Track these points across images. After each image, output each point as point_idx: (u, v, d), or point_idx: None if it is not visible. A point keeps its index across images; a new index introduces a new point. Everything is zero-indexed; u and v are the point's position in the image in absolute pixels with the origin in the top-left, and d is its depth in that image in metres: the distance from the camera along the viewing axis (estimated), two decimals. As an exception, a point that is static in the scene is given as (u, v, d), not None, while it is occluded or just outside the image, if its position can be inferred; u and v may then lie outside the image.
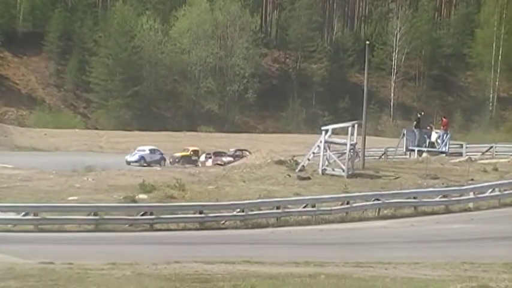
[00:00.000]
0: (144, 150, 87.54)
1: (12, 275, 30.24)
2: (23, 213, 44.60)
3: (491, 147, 75.20)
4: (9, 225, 43.46)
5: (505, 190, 57.26)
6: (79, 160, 71.00)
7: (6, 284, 28.79)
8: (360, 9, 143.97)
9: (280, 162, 61.76)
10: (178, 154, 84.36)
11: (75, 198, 50.36)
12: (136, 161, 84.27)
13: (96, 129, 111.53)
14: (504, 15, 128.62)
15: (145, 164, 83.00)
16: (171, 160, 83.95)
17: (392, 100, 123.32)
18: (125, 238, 42.16)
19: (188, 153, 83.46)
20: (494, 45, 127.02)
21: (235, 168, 62.40)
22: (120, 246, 38.84)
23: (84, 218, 45.35)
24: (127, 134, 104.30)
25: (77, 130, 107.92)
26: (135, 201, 49.54)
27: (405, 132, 75.76)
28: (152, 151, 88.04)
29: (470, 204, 54.96)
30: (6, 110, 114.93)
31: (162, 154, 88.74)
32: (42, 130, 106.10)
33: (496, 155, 72.79)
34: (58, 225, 44.08)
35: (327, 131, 61.23)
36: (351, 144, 60.86)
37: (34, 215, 44.28)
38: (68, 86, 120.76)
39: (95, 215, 45.45)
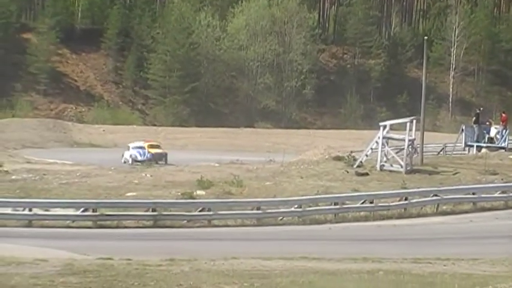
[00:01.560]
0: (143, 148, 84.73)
1: (71, 270, 30.39)
2: (82, 209, 44.79)
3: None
4: (68, 221, 43.62)
5: None
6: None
7: (65, 279, 28.95)
8: (419, 4, 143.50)
9: (338, 158, 61.65)
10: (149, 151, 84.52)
11: (134, 194, 50.52)
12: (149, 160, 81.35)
13: (154, 125, 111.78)
14: None
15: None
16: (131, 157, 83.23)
17: (451, 95, 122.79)
18: (183, 234, 42.24)
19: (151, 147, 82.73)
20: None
21: (293, 165, 62.27)
22: (178, 242, 38.93)
23: (143, 214, 45.48)
24: (184, 131, 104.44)
25: (135, 126, 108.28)
26: (193, 198, 49.60)
27: (464, 127, 75.37)
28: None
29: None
30: (65, 106, 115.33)
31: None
32: (101, 126, 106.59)
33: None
34: (116, 221, 44.23)
35: (385, 126, 61.01)
36: (409, 140, 60.64)
37: (93, 211, 44.47)
38: (126, 82, 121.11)
39: (153, 211, 45.59)
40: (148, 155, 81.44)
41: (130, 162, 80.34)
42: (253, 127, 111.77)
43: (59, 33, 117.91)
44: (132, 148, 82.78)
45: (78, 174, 58.58)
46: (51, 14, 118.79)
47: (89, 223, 43.60)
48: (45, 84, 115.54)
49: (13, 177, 56.56)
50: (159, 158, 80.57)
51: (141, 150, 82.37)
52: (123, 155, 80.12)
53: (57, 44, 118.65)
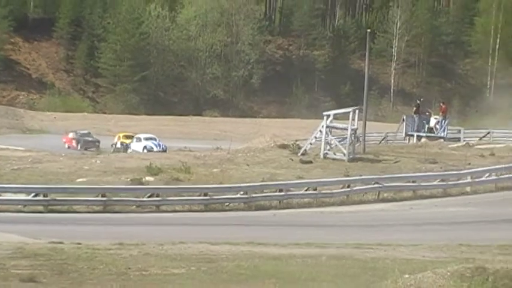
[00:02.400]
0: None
1: (22, 254, 30.38)
2: (33, 194, 44.74)
3: (489, 132, 75.33)
4: (20, 206, 43.59)
5: (501, 174, 57.38)
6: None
7: (16, 262, 28.92)
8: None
9: (283, 146, 61.91)
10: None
11: (84, 180, 50.49)
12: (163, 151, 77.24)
13: (105, 113, 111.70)
14: (502, 5, 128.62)
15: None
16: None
17: (392, 86, 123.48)
18: (132, 219, 42.31)
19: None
20: (492, 33, 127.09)
21: (240, 152, 62.52)
22: (127, 227, 38.99)
23: (93, 199, 45.52)
24: (134, 118, 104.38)
25: (86, 114, 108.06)
26: (142, 184, 49.70)
27: (405, 117, 75.97)
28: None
29: (468, 188, 55.08)
30: (17, 94, 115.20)
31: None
32: (52, 114, 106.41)
33: (493, 140, 72.90)
34: (67, 206, 44.22)
35: (328, 116, 61.32)
36: (352, 129, 60.97)
37: (44, 196, 44.41)
38: (78, 71, 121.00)
39: (102, 196, 45.61)
40: (163, 146, 79.38)
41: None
42: (202, 115, 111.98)
43: (11, 22, 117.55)
44: (145, 139, 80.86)
45: (29, 160, 58.45)
46: (3, 3, 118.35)
47: (40, 208, 43.58)
48: (1, 73, 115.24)
49: (-34, 162, 56.38)
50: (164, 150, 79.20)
51: (156, 142, 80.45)
52: (128, 148, 79.42)
53: (10, 33, 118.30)
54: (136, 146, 78.88)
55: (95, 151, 74.77)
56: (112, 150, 77.94)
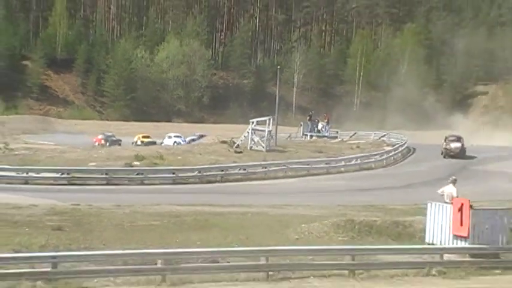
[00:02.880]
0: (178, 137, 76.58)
1: (53, 212, 30.27)
2: (60, 173, 44.45)
3: (355, 133, 75.84)
4: (51, 181, 43.20)
5: (363, 159, 57.77)
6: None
7: (49, 217, 28.80)
8: (274, 44, 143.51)
9: (223, 142, 61.58)
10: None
11: (94, 164, 50.09)
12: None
13: (107, 120, 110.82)
14: (364, 51, 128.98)
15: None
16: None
17: (294, 103, 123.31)
18: (125, 190, 42.03)
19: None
20: (357, 68, 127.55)
21: (195, 146, 62.34)
22: (122, 194, 38.81)
23: (100, 176, 45.14)
24: (127, 124, 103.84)
25: (95, 121, 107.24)
26: (131, 166, 49.32)
27: (302, 123, 76.42)
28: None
29: (342, 168, 55.12)
30: (49, 108, 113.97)
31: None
32: (73, 121, 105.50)
33: (358, 137, 73.41)
34: (82, 181, 43.88)
35: (253, 122, 61.44)
36: (268, 131, 60.99)
37: (67, 174, 44.10)
38: (89, 93, 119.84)
39: (106, 174, 45.34)
40: (185, 141, 74.84)
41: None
42: (171, 122, 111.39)
43: (46, 60, 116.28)
44: (174, 137, 76.33)
45: (58, 151, 57.94)
46: (39, 47, 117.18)
47: (65, 182, 43.17)
48: (37, 94, 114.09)
49: (15, 152, 55.76)
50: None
51: (181, 138, 76.13)
52: (162, 143, 74.37)
53: (44, 67, 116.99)
54: (167, 141, 75.04)
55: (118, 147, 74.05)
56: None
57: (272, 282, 21.39)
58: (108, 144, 73.01)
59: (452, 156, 59.47)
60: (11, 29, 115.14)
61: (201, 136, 75.16)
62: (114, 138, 77.35)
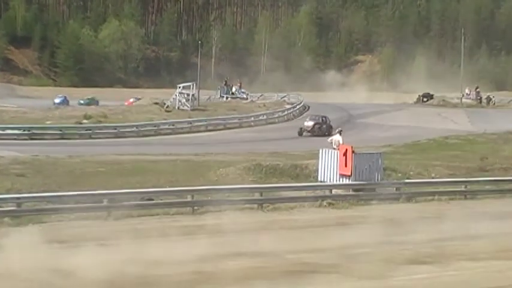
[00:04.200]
0: None
1: (16, 162, 29.69)
2: (22, 130, 43.56)
3: (262, 95, 75.59)
4: (15, 136, 42.27)
5: (268, 116, 57.93)
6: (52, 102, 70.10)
7: (13, 166, 28.24)
8: (196, 23, 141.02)
9: (156, 103, 61.03)
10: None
11: (50, 122, 49.17)
12: None
13: (60, 86, 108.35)
14: (268, 28, 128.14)
15: None
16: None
17: (212, 71, 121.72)
18: (76, 143, 41.37)
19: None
20: (263, 43, 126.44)
21: (133, 107, 61.41)
22: (74, 147, 38.20)
23: (55, 132, 44.40)
24: (77, 89, 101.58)
25: (50, 88, 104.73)
26: (81, 123, 48.51)
27: (219, 87, 76.13)
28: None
29: (252, 123, 55.02)
30: (11, 77, 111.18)
31: None
32: (32, 88, 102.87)
33: (264, 98, 73.26)
34: (41, 136, 43.01)
35: (180, 87, 61.03)
36: (192, 94, 60.61)
37: (28, 131, 43.24)
38: (45, 64, 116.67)
39: (60, 131, 44.60)
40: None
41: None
42: (113, 88, 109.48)
43: (7, 37, 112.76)
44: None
45: (20, 112, 56.50)
46: (3, 27, 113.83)
47: (26, 137, 42.29)
48: (1, 65, 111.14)
49: (-16, 114, 54.30)
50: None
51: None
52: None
53: (7, 44, 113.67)
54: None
55: None
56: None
57: (197, 215, 21.47)
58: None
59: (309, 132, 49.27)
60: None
61: (138, 99, 73.68)
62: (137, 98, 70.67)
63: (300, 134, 47.73)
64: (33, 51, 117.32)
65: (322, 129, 47.36)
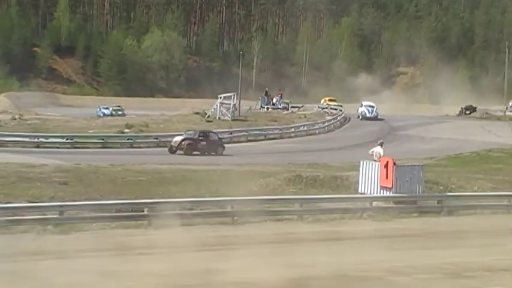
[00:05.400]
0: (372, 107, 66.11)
1: (59, 170, 30.04)
2: (65, 138, 44.14)
3: (303, 105, 75.54)
4: (58, 145, 42.88)
5: (309, 127, 57.90)
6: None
7: (56, 174, 28.58)
8: (237, 34, 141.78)
9: (197, 113, 61.39)
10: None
11: (92, 131, 49.79)
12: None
13: (103, 96, 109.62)
14: (309, 39, 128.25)
15: None
16: None
17: (253, 82, 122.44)
18: (118, 152, 41.81)
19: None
20: (304, 54, 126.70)
21: (174, 117, 61.75)
22: (115, 155, 38.55)
23: (97, 141, 44.93)
24: (119, 99, 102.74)
25: (93, 97, 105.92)
26: (123, 132, 49.05)
27: (260, 97, 76.29)
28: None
29: (292, 134, 55.30)
30: (55, 86, 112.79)
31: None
32: (75, 97, 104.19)
33: (305, 109, 73.25)
34: (83, 145, 43.60)
35: (221, 97, 61.32)
36: (233, 104, 60.86)
37: (71, 139, 43.83)
38: (88, 74, 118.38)
39: (102, 139, 45.09)
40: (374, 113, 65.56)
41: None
42: (154, 97, 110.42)
43: (52, 47, 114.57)
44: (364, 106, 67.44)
45: (63, 121, 57.41)
46: (48, 37, 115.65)
47: (69, 146, 42.90)
48: (45, 74, 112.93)
49: (28, 122, 55.14)
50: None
51: (370, 108, 67.12)
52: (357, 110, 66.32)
53: (51, 53, 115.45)
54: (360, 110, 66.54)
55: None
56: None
57: (236, 225, 21.46)
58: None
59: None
60: (23, 22, 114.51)
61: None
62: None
63: (172, 151, 41.35)
64: (77, 61, 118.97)
65: (200, 146, 41.39)
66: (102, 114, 68.98)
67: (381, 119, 64.82)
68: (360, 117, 66.61)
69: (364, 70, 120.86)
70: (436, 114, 71.21)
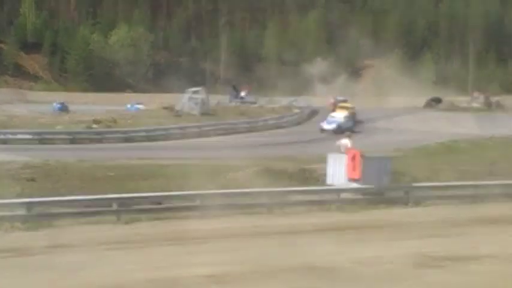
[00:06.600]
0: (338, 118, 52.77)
1: (27, 166, 29.72)
2: (33, 134, 43.71)
3: (270, 99, 75.28)
4: (26, 141, 42.39)
5: (276, 119, 57.93)
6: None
7: (24, 171, 28.30)
8: (205, 29, 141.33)
9: (165, 108, 61.18)
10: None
11: (60, 127, 49.31)
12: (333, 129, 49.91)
13: (70, 92, 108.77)
14: (276, 34, 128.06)
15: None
16: None
17: (221, 76, 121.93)
18: (87, 148, 41.48)
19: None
20: (271, 49, 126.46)
21: (143, 112, 61.57)
22: (84, 151, 38.22)
23: (65, 137, 44.53)
24: (86, 95, 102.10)
25: (59, 92, 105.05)
26: (91, 128, 48.64)
27: (229, 91, 76.32)
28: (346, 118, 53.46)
29: (261, 127, 55.20)
30: (22, 82, 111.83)
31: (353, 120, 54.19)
32: (42, 93, 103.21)
33: (273, 102, 73.15)
34: (51, 141, 43.15)
35: (189, 91, 61.20)
36: (201, 98, 60.73)
37: (39, 136, 43.41)
38: (55, 70, 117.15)
39: (70, 135, 44.74)
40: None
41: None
42: (122, 93, 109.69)
43: (18, 43, 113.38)
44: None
45: (30, 117, 56.71)
46: (14, 33, 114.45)
47: (36, 142, 42.44)
48: (12, 71, 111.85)
49: (-5, 119, 54.47)
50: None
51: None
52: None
53: (17, 50, 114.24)
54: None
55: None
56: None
57: (206, 219, 21.42)
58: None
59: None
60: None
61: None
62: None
63: None
64: (44, 57, 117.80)
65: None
66: (57, 110, 69.22)
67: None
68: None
69: (332, 63, 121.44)
70: (402, 106, 71.68)
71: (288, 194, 24.19)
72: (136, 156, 34.52)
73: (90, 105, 74.66)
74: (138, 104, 74.44)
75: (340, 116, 53.39)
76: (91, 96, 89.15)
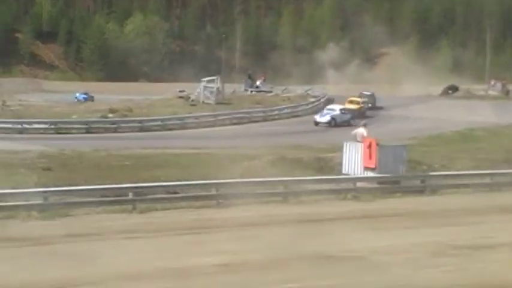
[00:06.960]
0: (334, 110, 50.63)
1: (43, 156, 29.89)
2: (49, 124, 43.81)
3: (286, 88, 75.23)
4: (41, 131, 42.50)
5: (292, 109, 57.78)
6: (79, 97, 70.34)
7: (40, 160, 28.42)
8: (220, 18, 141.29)
9: (181, 97, 61.06)
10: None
11: (75, 116, 49.37)
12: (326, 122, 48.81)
13: (86, 81, 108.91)
14: (292, 22, 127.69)
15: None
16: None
17: (236, 65, 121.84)
18: (102, 137, 41.46)
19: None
20: (287, 37, 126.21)
21: (158, 101, 61.38)
22: (99, 141, 38.23)
23: (81, 126, 44.59)
24: (102, 84, 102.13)
25: (75, 82, 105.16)
26: (106, 117, 48.68)
27: (244, 80, 76.06)
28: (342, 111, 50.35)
29: (276, 116, 54.95)
30: (38, 72, 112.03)
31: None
32: (57, 82, 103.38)
33: (288, 91, 72.95)
34: (67, 130, 43.24)
35: (204, 80, 61.10)
36: (216, 87, 60.63)
37: (54, 125, 43.50)
38: (71, 59, 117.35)
39: (85, 124, 44.82)
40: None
41: None
42: (138, 82, 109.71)
43: (34, 33, 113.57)
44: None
45: (46, 106, 56.84)
46: (29, 23, 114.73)
47: (52, 131, 42.54)
48: (27, 60, 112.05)
49: (11, 108, 54.60)
50: None
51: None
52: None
53: (33, 39, 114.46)
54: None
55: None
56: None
57: (221, 208, 21.42)
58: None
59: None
60: (4, 8, 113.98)
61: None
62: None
63: None
64: (59, 46, 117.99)
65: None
66: (83, 100, 68.73)
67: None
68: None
69: (346, 51, 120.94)
70: (419, 94, 71.31)
71: (303, 182, 24.12)
72: (151, 146, 34.57)
73: (107, 95, 74.66)
74: (85, 93, 72.45)
75: (336, 108, 51.77)
76: (107, 85, 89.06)
